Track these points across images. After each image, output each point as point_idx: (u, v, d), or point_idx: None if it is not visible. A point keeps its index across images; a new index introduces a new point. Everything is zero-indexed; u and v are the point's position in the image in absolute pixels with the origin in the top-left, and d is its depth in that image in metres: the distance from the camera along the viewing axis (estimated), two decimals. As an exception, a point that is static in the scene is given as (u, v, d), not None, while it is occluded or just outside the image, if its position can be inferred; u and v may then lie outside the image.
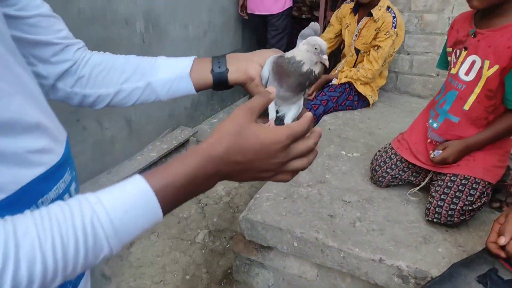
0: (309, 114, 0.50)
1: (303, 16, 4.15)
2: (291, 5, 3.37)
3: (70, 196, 0.51)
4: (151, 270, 2.09)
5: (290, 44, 4.15)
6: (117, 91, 0.66)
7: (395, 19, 2.20)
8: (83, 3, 2.19)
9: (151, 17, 2.71)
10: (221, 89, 0.68)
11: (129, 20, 2.55)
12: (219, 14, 3.50)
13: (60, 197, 0.48)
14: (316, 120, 2.33)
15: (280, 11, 3.29)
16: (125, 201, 0.39)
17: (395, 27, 2.21)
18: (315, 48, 0.57)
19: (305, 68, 0.58)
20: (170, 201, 0.42)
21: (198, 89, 0.67)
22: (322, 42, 0.57)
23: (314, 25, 0.63)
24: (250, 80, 0.65)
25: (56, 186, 0.47)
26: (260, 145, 0.45)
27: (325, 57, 0.57)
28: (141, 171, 2.65)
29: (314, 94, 2.49)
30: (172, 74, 0.65)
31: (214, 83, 0.66)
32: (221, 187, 2.88)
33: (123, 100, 0.67)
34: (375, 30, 2.25)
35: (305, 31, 0.63)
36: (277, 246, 1.41)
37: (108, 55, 0.69)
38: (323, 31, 2.77)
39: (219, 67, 0.65)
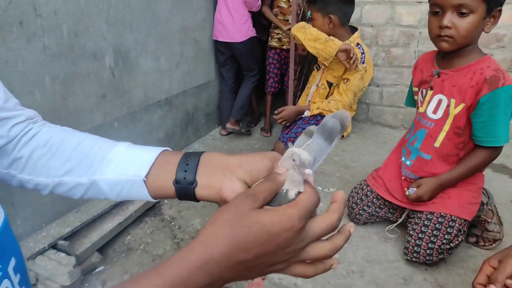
0: (309, 188, 0.41)
1: (284, 47, 3.89)
2: (255, 35, 3.43)
3: (9, 278, 0.43)
4: (122, 317, 1.96)
5: (264, 70, 4.11)
6: (56, 183, 0.52)
7: (363, 55, 2.26)
8: (49, 39, 2.12)
9: (121, 50, 2.67)
10: (189, 200, 0.51)
11: (98, 55, 2.50)
12: (191, 46, 3.50)
13: None
14: None
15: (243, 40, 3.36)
16: None
17: (363, 63, 2.27)
18: (293, 160, 0.44)
19: (291, 195, 0.42)
20: None
21: (156, 198, 0.52)
22: (301, 153, 0.44)
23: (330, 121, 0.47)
24: (224, 202, 0.47)
25: None
26: (267, 235, 0.36)
27: (308, 171, 0.43)
28: (114, 207, 2.51)
29: (280, 120, 2.47)
30: (122, 175, 0.50)
31: (177, 195, 0.50)
32: (197, 221, 2.79)
33: (67, 193, 0.54)
34: None
35: (312, 128, 0.50)
36: None
37: (60, 132, 0.56)
38: (295, 67, 2.81)
39: (184, 177, 0.48)
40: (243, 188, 0.45)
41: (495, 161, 2.25)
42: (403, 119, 2.74)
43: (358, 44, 2.28)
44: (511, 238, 1.54)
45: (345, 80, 2.31)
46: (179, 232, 2.58)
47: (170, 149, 0.53)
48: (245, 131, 3.93)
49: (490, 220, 1.50)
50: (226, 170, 0.47)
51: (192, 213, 2.91)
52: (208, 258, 0.35)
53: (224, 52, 3.68)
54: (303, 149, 0.52)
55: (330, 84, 2.46)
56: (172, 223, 2.80)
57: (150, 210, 2.86)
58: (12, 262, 0.44)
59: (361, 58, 2.25)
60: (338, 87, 2.36)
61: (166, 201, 3.00)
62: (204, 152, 0.51)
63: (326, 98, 2.51)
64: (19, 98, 0.63)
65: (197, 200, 0.50)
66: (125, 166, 0.50)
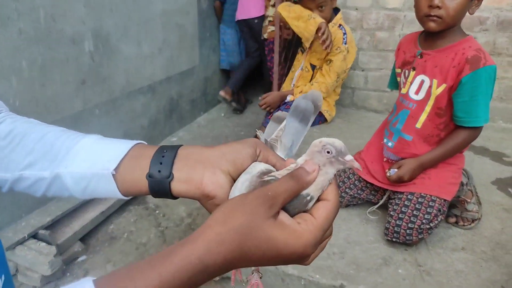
0: (334, 198, 0.37)
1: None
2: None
3: None
4: (106, 305, 1.95)
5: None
6: (16, 178, 0.47)
7: (345, 35, 2.25)
8: (24, 23, 2.05)
9: (101, 35, 2.60)
10: (164, 197, 0.45)
11: (77, 39, 2.43)
12: (174, 31, 3.43)
13: None
14: None
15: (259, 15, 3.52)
16: None
17: (345, 43, 2.26)
18: (328, 152, 0.37)
19: (311, 205, 0.38)
20: None
21: (127, 195, 0.47)
22: (333, 141, 0.38)
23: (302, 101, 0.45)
24: (206, 198, 0.43)
25: None
26: (276, 254, 0.34)
27: (349, 157, 0.38)
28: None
29: (264, 106, 2.48)
30: (89, 168, 0.45)
31: (151, 191, 0.45)
32: (182, 208, 2.78)
33: (28, 190, 0.49)
34: None
35: (280, 114, 0.48)
36: (247, 269, 1.35)
37: (24, 123, 0.50)
38: (282, 52, 2.78)
39: (159, 170, 0.43)
40: (227, 180, 0.42)
41: (477, 144, 2.27)
42: (387, 103, 2.75)
43: (340, 25, 2.27)
44: (489, 218, 1.56)
45: (328, 62, 2.30)
46: (164, 220, 2.56)
47: (145, 143, 0.48)
48: (236, 104, 4.05)
49: (469, 200, 1.51)
50: (207, 163, 0.43)
51: (177, 201, 2.89)
52: (211, 263, 0.33)
53: (245, 31, 3.84)
54: (277, 135, 0.49)
55: (313, 67, 2.44)
56: (157, 211, 2.78)
57: (134, 198, 2.83)
58: (2, 279, 0.42)
59: (343, 39, 2.24)
60: (321, 70, 2.35)
61: (150, 189, 2.97)
62: (182, 145, 0.46)
63: (310, 81, 2.49)
64: None
65: (174, 197, 0.46)
66: (93, 159, 0.45)
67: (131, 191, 0.46)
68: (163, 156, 0.43)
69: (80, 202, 2.33)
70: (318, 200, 0.38)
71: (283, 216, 0.36)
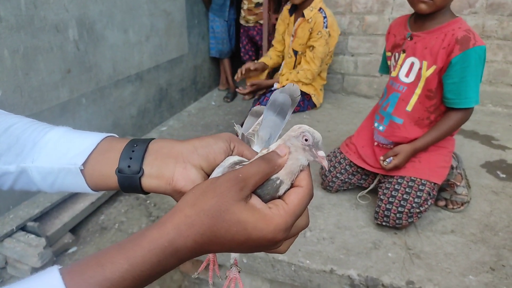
0: (307, 185, 0.37)
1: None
2: None
3: None
4: (98, 295, 1.94)
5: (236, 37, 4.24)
6: None
7: (325, 19, 2.24)
8: (4, 10, 2.00)
9: (85, 22, 2.54)
10: (135, 192, 0.43)
11: (60, 27, 2.37)
12: (162, 18, 3.37)
13: None
14: None
15: None
16: None
17: (326, 27, 2.24)
18: (305, 140, 0.37)
19: (282, 190, 0.37)
20: None
21: (96, 189, 0.45)
22: (313, 131, 0.38)
23: (284, 93, 0.44)
24: (178, 193, 0.41)
25: None
26: (246, 238, 0.33)
27: (321, 153, 0.38)
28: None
29: (247, 97, 2.48)
30: (56, 163, 0.42)
31: (121, 186, 0.43)
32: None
33: None
34: (309, 30, 2.28)
35: (257, 108, 0.49)
36: (226, 263, 1.34)
37: None
38: (270, 37, 2.74)
39: (128, 165, 0.41)
40: (200, 176, 0.40)
41: (467, 127, 2.28)
42: (377, 88, 2.74)
43: (320, 8, 2.26)
44: (478, 201, 1.57)
45: (311, 48, 2.29)
46: (155, 210, 2.54)
47: (116, 135, 0.46)
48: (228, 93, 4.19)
49: (459, 184, 1.52)
50: (179, 157, 0.41)
51: (169, 189, 2.88)
52: (181, 246, 0.32)
53: None
54: (254, 129, 0.48)
55: (295, 53, 2.42)
56: (148, 201, 2.76)
57: (124, 188, 2.80)
58: None
59: (324, 23, 2.23)
60: (305, 55, 2.33)
61: (141, 178, 2.95)
62: (153, 139, 0.44)
63: (294, 67, 2.47)
64: None
65: (145, 192, 0.43)
66: (60, 153, 0.43)
67: (100, 186, 0.44)
68: (133, 151, 0.41)
69: (69, 193, 2.30)
70: (292, 187, 0.37)
71: (255, 200, 0.35)
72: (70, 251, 2.21)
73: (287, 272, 1.26)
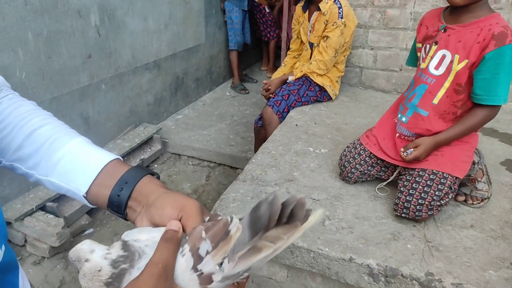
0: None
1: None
2: None
3: None
4: (113, 277, 1.98)
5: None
6: (9, 165, 0.53)
7: (341, 9, 2.22)
8: (30, -8, 2.01)
9: (107, 8, 2.56)
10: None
11: (83, 12, 2.39)
12: (181, 7, 3.37)
13: None
14: (280, 116, 2.30)
15: None
16: None
17: (341, 17, 2.22)
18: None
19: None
20: None
21: (96, 206, 0.53)
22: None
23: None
24: None
25: None
26: None
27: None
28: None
29: (267, 94, 2.50)
30: (66, 184, 0.50)
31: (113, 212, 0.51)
32: (188, 185, 2.79)
33: (21, 175, 0.54)
34: (324, 22, 2.27)
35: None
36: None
37: (20, 109, 0.53)
38: (290, 24, 2.74)
39: (116, 202, 0.49)
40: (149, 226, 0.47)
41: (486, 125, 2.25)
42: (396, 83, 2.71)
43: (335, 0, 2.25)
44: (498, 198, 1.56)
45: (325, 38, 2.28)
46: (170, 196, 2.56)
47: (120, 158, 0.53)
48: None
49: (480, 179, 1.50)
50: (145, 206, 0.47)
51: (182, 177, 2.90)
52: None
53: None
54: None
55: (311, 45, 2.41)
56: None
57: (140, 174, 2.83)
58: None
59: (339, 13, 2.21)
60: (318, 46, 2.32)
61: (156, 165, 2.98)
62: (144, 176, 0.49)
63: (310, 59, 2.47)
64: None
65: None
66: (68, 177, 0.50)
67: (99, 206, 0.52)
68: (121, 190, 0.48)
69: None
70: None
71: None
72: (87, 232, 2.25)
73: (305, 258, 1.26)
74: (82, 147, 0.52)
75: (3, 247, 0.45)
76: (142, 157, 2.81)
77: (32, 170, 0.51)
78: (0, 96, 0.53)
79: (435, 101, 1.37)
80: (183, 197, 0.45)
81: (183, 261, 0.40)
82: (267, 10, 4.39)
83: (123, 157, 2.60)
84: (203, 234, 0.39)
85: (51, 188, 0.52)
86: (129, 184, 0.48)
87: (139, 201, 0.48)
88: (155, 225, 0.46)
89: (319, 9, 2.29)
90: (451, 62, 1.31)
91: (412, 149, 1.39)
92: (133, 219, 0.48)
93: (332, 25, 2.24)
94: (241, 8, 3.95)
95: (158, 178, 0.52)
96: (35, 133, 0.51)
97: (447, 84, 1.34)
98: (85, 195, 0.50)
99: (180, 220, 0.44)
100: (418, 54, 1.47)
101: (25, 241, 2.05)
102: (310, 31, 2.40)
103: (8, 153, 0.51)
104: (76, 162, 0.50)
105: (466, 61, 1.28)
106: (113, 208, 0.49)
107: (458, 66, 1.30)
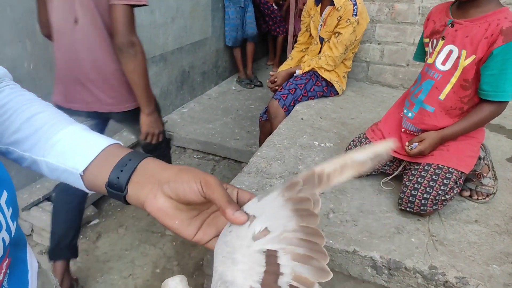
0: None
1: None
2: None
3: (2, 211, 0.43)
4: (119, 265, 2.00)
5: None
6: (4, 150, 0.52)
7: (355, 6, 2.20)
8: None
9: (115, 0, 2.55)
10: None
11: (90, 3, 2.39)
12: (188, 0, 3.37)
13: None
14: (286, 110, 2.29)
15: None
16: None
17: (355, 15, 2.20)
18: None
19: None
20: None
21: (91, 191, 0.52)
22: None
23: None
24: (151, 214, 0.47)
25: None
26: None
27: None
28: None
29: (273, 86, 2.50)
30: (62, 164, 0.49)
31: (110, 196, 0.49)
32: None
33: (14, 160, 0.54)
34: (337, 18, 2.25)
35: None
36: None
37: (20, 98, 0.54)
38: (296, 22, 2.73)
39: (115, 184, 0.47)
40: (169, 204, 0.45)
41: (493, 121, 2.22)
42: (403, 78, 2.70)
43: None
44: (504, 193, 1.55)
45: (337, 34, 2.26)
46: (175, 188, 2.57)
47: (121, 144, 0.52)
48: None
49: (485, 175, 1.50)
50: (155, 183, 0.46)
51: (188, 170, 2.92)
52: None
53: None
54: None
55: (321, 40, 2.40)
56: (168, 180, 2.80)
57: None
58: (4, 195, 0.44)
59: (353, 10, 2.19)
60: (329, 42, 2.31)
61: (161, 158, 2.99)
62: (146, 158, 0.49)
63: (319, 54, 2.46)
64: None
65: (128, 203, 0.49)
66: (66, 156, 0.49)
67: (95, 190, 0.50)
68: (121, 171, 0.47)
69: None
70: None
71: None
72: (93, 223, 2.27)
73: (309, 250, 1.27)
74: (82, 131, 0.52)
75: (15, 223, 0.46)
76: (148, 149, 2.83)
77: (28, 152, 0.51)
78: (2, 85, 0.55)
79: (442, 96, 1.36)
80: (202, 172, 0.45)
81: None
82: (275, 7, 4.38)
83: (129, 149, 2.63)
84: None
85: (45, 171, 0.51)
86: (133, 161, 0.48)
87: (146, 178, 0.47)
88: (178, 200, 0.45)
89: (332, 4, 2.26)
90: (458, 57, 1.30)
91: (416, 143, 1.38)
92: (140, 196, 0.46)
93: (346, 21, 2.22)
94: (236, 5, 3.92)
95: None
96: (34, 117, 0.52)
97: (453, 80, 1.33)
98: (82, 174, 0.48)
99: (205, 195, 0.44)
100: (426, 49, 1.46)
101: (32, 230, 2.07)
102: (321, 25, 2.38)
103: (5, 136, 0.51)
104: (75, 144, 0.50)
105: (473, 56, 1.27)
106: (112, 187, 0.47)
107: (465, 62, 1.29)
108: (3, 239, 0.41)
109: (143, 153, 0.50)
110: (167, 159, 2.02)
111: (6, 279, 0.45)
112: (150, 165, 0.48)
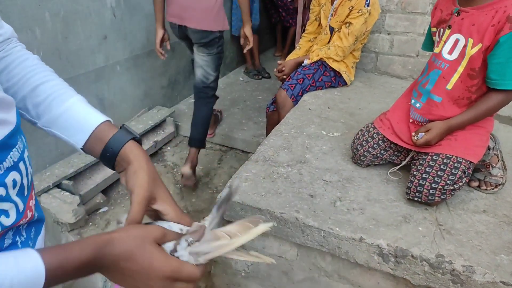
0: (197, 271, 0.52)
1: None
2: None
3: (25, 164, 0.51)
4: (126, 254, 2.02)
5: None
6: (22, 104, 0.60)
7: None
8: (47, -29, 2.03)
9: (123, -11, 2.56)
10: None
11: (99, -8, 2.40)
12: (196, -11, 3.34)
13: (15, 164, 0.48)
14: (294, 100, 2.29)
15: None
16: (15, 275, 0.39)
17: (368, 5, 2.18)
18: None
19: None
20: (54, 281, 0.42)
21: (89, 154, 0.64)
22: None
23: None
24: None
25: (10, 155, 0.47)
26: (148, 264, 0.47)
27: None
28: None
29: (281, 75, 2.48)
30: (66, 137, 0.60)
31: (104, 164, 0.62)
32: (200, 168, 2.82)
33: (23, 117, 0.61)
34: (349, 8, 2.22)
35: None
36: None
37: (26, 67, 0.60)
38: (307, 9, 2.71)
39: (108, 155, 0.59)
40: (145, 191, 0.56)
41: (502, 112, 2.21)
42: (412, 69, 2.67)
43: None
44: (514, 184, 1.54)
45: (347, 25, 2.24)
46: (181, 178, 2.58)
47: (110, 120, 0.62)
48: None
49: (494, 165, 1.49)
50: (127, 169, 0.57)
51: (195, 159, 2.92)
52: (112, 253, 0.45)
53: None
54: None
55: (331, 30, 2.38)
56: (175, 169, 2.82)
57: (153, 156, 2.87)
58: (26, 152, 0.52)
59: (366, 1, 2.17)
60: (339, 32, 2.29)
61: (169, 148, 3.01)
62: (132, 138, 0.59)
63: (328, 43, 2.44)
64: (19, 35, 0.66)
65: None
66: (69, 132, 0.59)
67: (92, 155, 0.61)
68: (110, 149, 0.58)
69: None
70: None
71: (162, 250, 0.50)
72: (101, 210, 2.30)
73: (316, 237, 1.28)
74: (79, 106, 0.60)
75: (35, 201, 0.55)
76: (155, 139, 2.84)
77: (35, 119, 0.60)
78: (9, 47, 0.59)
79: (449, 86, 1.35)
80: (147, 182, 0.55)
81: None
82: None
83: (137, 138, 2.64)
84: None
85: (54, 136, 0.61)
86: (115, 149, 0.58)
87: (124, 161, 0.57)
88: (128, 188, 0.56)
89: None
90: (465, 46, 1.28)
91: (423, 133, 1.37)
92: (119, 172, 0.59)
93: (358, 12, 2.19)
94: None
95: (140, 141, 0.61)
96: (38, 88, 0.59)
97: (460, 69, 1.32)
98: (82, 148, 0.59)
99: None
100: (434, 38, 1.44)
101: (42, 217, 2.10)
102: (332, 14, 2.35)
103: (16, 101, 0.57)
104: (73, 121, 0.59)
105: (480, 45, 1.25)
106: (104, 162, 0.60)
107: (472, 51, 1.27)
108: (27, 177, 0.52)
109: (125, 135, 0.59)
110: (209, 106, 2.56)
111: (24, 228, 0.52)
112: (129, 153, 0.58)
